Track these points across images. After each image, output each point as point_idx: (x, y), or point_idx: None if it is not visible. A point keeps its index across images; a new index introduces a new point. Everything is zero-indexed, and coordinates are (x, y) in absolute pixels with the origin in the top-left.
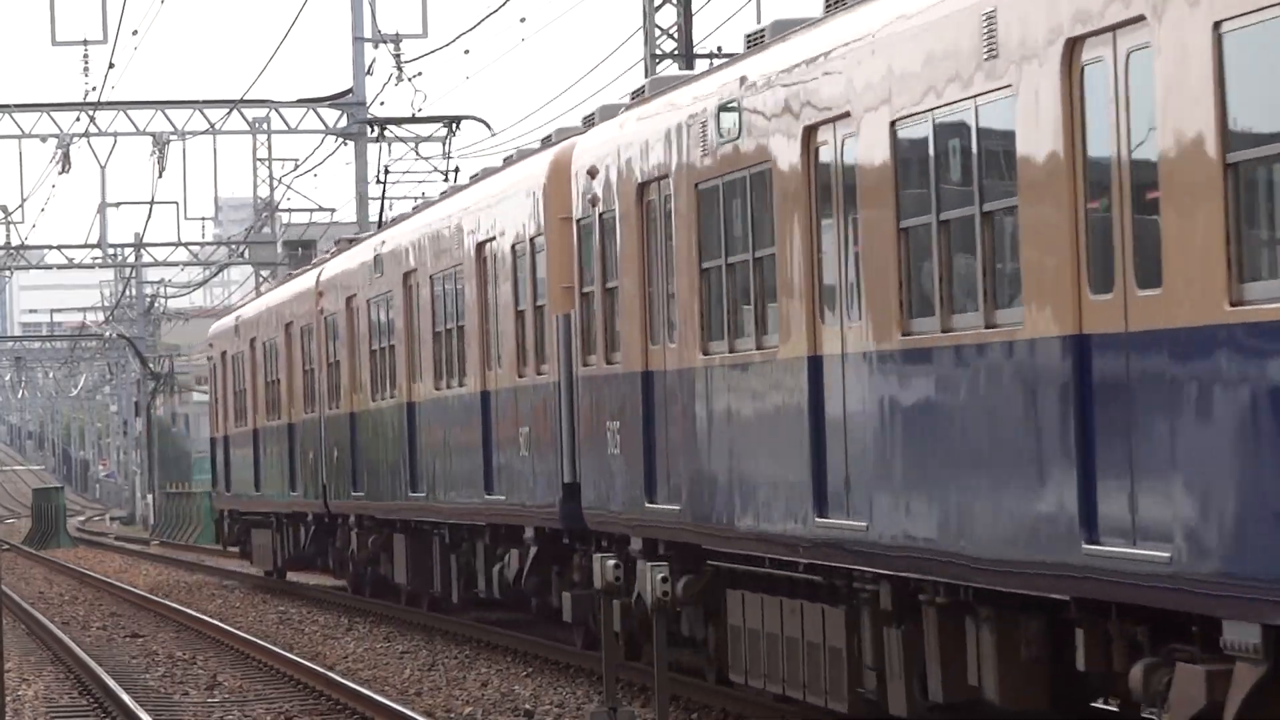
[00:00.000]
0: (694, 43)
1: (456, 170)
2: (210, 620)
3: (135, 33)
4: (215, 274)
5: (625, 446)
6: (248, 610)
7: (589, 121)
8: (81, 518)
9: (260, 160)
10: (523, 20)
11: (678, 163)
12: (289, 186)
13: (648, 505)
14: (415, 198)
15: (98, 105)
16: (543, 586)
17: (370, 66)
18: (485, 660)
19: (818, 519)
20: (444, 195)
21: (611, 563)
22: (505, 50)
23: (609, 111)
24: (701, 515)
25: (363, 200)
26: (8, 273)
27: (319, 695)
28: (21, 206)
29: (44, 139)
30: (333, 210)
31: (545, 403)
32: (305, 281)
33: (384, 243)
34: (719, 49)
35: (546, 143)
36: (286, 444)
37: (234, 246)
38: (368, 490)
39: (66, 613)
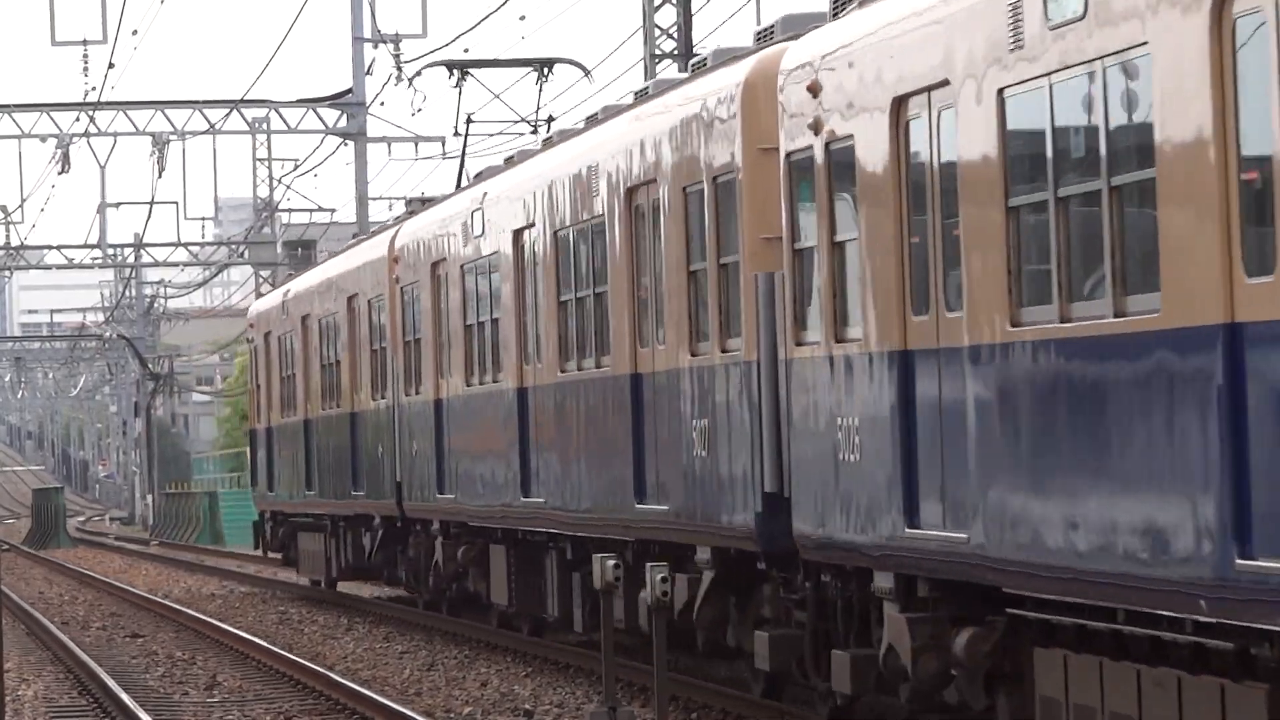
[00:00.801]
0: (694, 43)
1: (550, 119)
2: (210, 620)
3: (135, 33)
4: (215, 274)
5: (868, 450)
6: (248, 610)
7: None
8: (81, 518)
9: (260, 160)
10: (522, 18)
11: (970, 61)
12: (289, 186)
13: (908, 531)
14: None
15: (98, 105)
16: (718, 620)
17: (370, 66)
18: (485, 660)
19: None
20: (558, 137)
21: (611, 563)
22: (505, 50)
23: (796, 22)
24: (1007, 546)
25: (363, 200)
26: (7, 273)
27: (319, 695)
28: (21, 206)
29: (44, 139)
30: (333, 210)
31: (733, 389)
32: (375, 248)
33: (486, 195)
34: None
35: (699, 68)
36: (348, 436)
37: (234, 247)
38: (460, 492)
39: (66, 613)
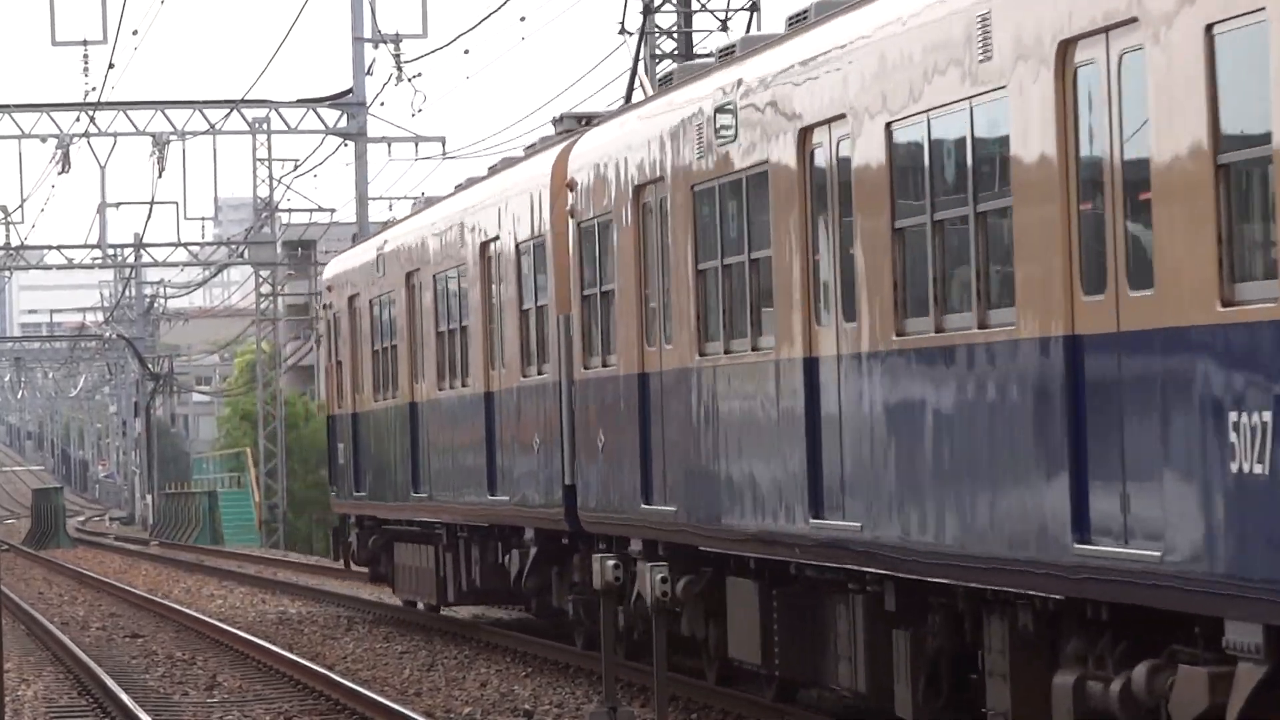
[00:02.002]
0: (693, 43)
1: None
2: (210, 620)
3: (135, 33)
4: (215, 274)
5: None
6: (247, 610)
7: None
8: (81, 518)
9: (260, 160)
10: (523, 19)
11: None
12: (289, 187)
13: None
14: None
15: (98, 105)
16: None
17: (370, 67)
18: (485, 660)
19: None
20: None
21: (611, 563)
22: (505, 50)
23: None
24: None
25: (363, 200)
26: (7, 273)
27: (319, 695)
28: (21, 206)
29: (44, 139)
30: (333, 210)
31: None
32: (528, 175)
33: (740, 83)
34: (719, 49)
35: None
36: (481, 425)
37: (234, 247)
38: (683, 505)
39: (66, 613)
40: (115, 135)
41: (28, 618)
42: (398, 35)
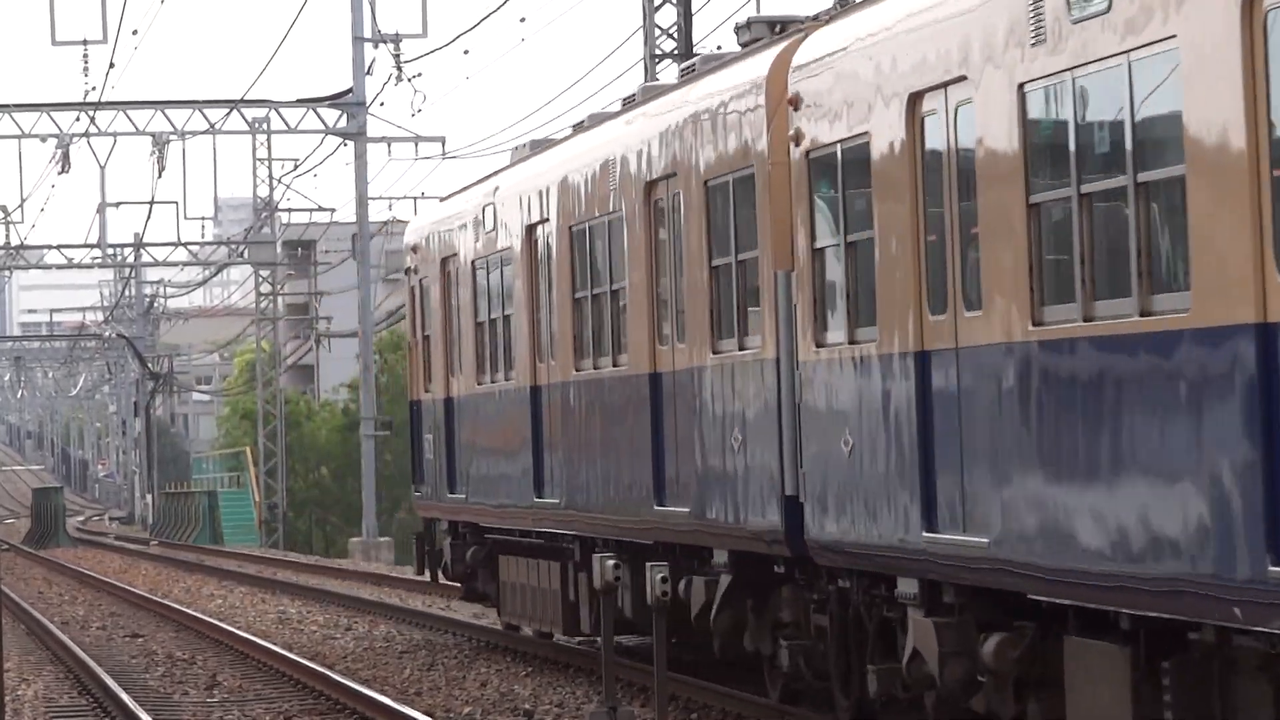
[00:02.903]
0: (694, 43)
1: None
2: (210, 620)
3: (135, 33)
4: (215, 274)
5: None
6: (247, 610)
7: None
8: (81, 518)
9: (260, 160)
10: (523, 20)
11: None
12: (289, 186)
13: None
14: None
15: (98, 105)
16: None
17: (370, 66)
18: (485, 660)
19: None
20: None
21: (611, 563)
22: (505, 50)
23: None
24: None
25: (363, 200)
26: (7, 273)
27: (319, 695)
28: (21, 206)
29: (44, 139)
30: (333, 210)
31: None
32: (723, 92)
33: None
34: (719, 48)
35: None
36: (644, 414)
37: (234, 246)
38: (1002, 533)
39: (66, 613)
40: (115, 135)
41: (28, 617)
42: (398, 35)
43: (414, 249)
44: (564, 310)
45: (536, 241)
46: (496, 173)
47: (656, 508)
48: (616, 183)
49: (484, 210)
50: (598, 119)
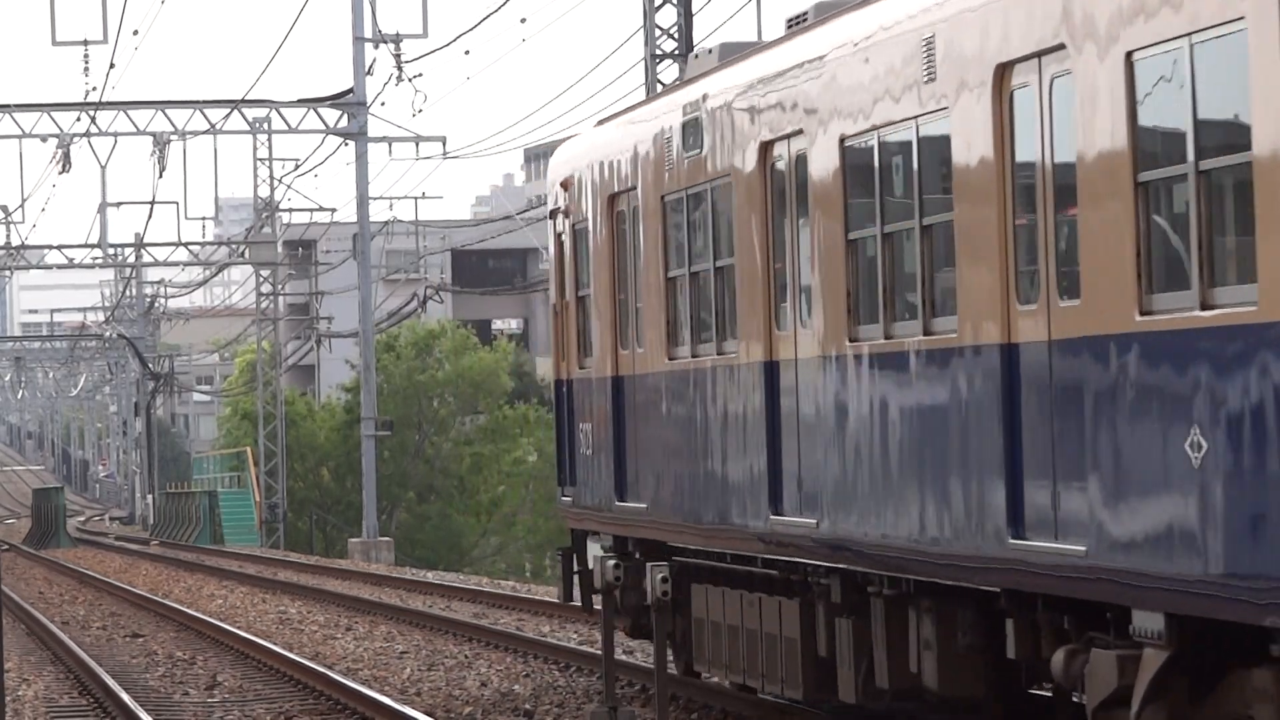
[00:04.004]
0: (694, 43)
1: None
2: (210, 620)
3: (136, 33)
4: (215, 274)
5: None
6: (247, 610)
7: None
8: (81, 518)
9: (260, 160)
10: (523, 21)
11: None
12: (289, 186)
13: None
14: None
15: (98, 105)
16: None
17: (370, 66)
18: (485, 660)
19: None
20: None
21: (611, 563)
22: (505, 50)
23: None
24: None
25: (363, 200)
26: (8, 273)
27: (319, 695)
28: (22, 206)
29: (44, 139)
30: (333, 210)
31: None
32: None
33: None
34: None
35: None
36: (991, 403)
37: (234, 246)
38: None
39: (66, 613)
40: (115, 135)
41: (28, 617)
42: (398, 35)
43: (563, 184)
44: (832, 257)
45: (777, 162)
46: (689, 81)
47: (1014, 541)
48: (946, 62)
49: (682, 127)
50: None
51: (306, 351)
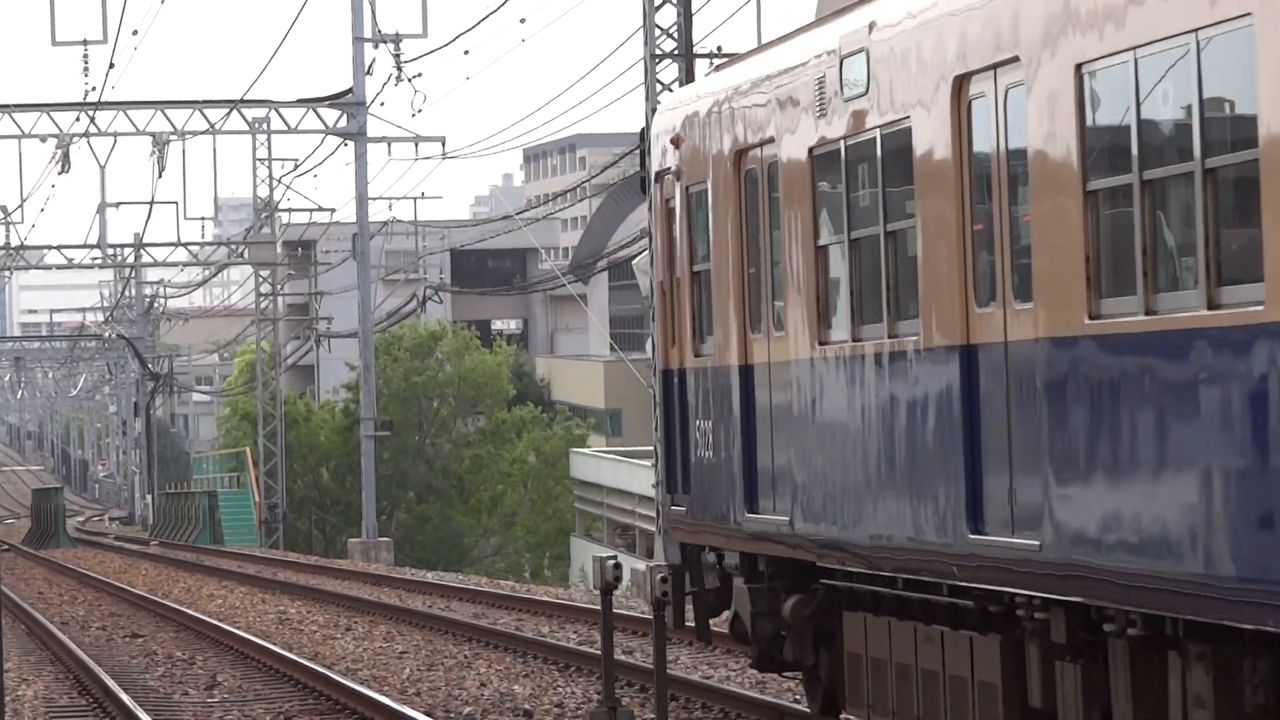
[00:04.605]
0: (694, 42)
1: None
2: (210, 620)
3: (135, 33)
4: (215, 274)
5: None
6: (247, 610)
7: None
8: (81, 518)
9: (260, 160)
10: (523, 21)
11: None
12: (289, 186)
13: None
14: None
15: (98, 105)
16: None
17: (370, 66)
18: (485, 660)
19: None
20: None
21: (611, 562)
22: (505, 50)
23: None
24: None
25: (363, 200)
26: (7, 273)
27: (319, 695)
28: (21, 206)
29: (44, 139)
30: (333, 210)
31: None
32: None
33: None
34: (719, 48)
35: None
36: None
37: (234, 246)
38: None
39: (66, 613)
40: (115, 135)
41: (28, 618)
42: (398, 35)
43: (674, 141)
44: (1065, 214)
45: (977, 100)
46: (840, 13)
47: None
48: None
49: (840, 66)
50: None
51: (306, 352)
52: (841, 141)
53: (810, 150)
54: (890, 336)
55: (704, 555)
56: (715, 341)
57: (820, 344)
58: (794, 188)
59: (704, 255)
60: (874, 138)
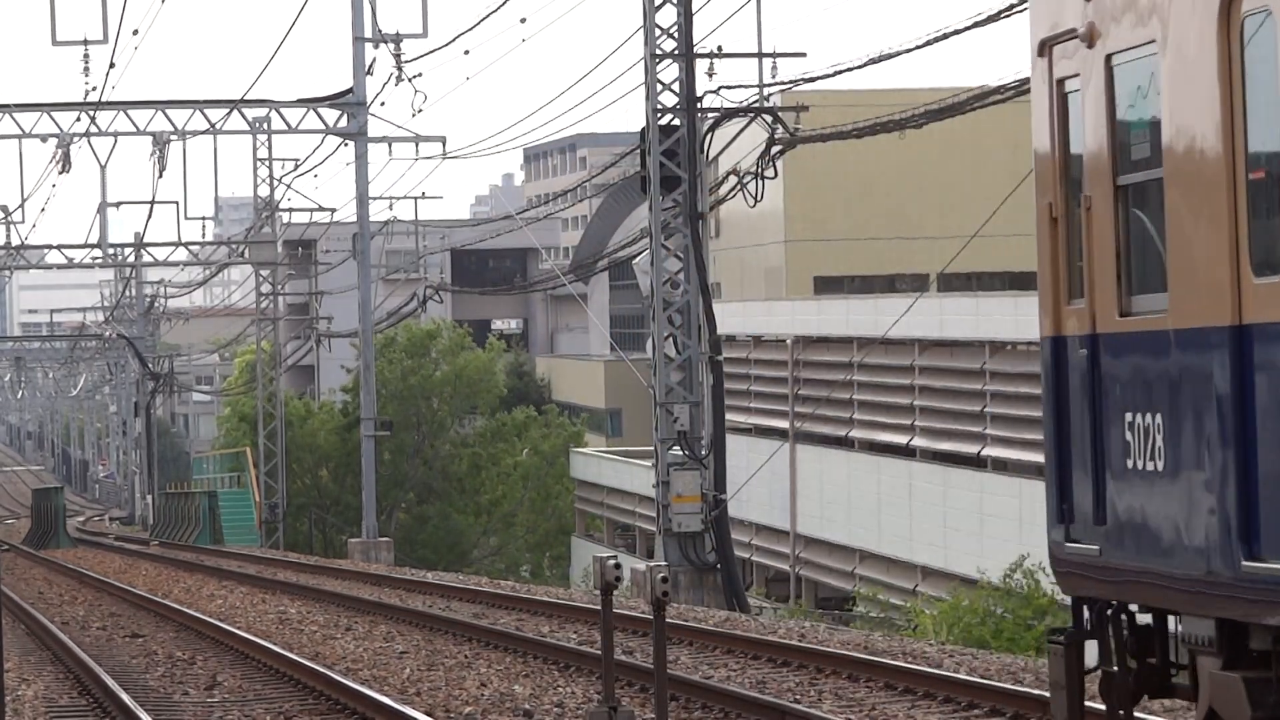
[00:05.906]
0: (694, 42)
1: None
2: (210, 620)
3: (135, 32)
4: (215, 274)
5: None
6: (247, 610)
7: None
8: (81, 518)
9: (260, 160)
10: (523, 21)
11: None
12: (289, 186)
13: None
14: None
15: (98, 105)
16: None
17: (370, 66)
18: (485, 660)
19: None
20: None
21: (612, 562)
22: (505, 50)
23: None
24: None
25: (363, 200)
26: (8, 273)
27: (319, 695)
28: (21, 206)
29: (44, 139)
30: (333, 210)
31: None
32: None
33: None
34: (719, 48)
35: None
36: None
37: (234, 246)
38: None
39: (66, 613)
40: (115, 135)
41: (28, 618)
42: (398, 35)
43: (1087, 34)
44: None
45: None
46: None
47: None
48: None
49: None
50: None
51: (306, 352)
52: None
53: None
54: None
55: (1124, 618)
56: (1173, 293)
57: None
58: None
59: (1146, 157)
60: None
